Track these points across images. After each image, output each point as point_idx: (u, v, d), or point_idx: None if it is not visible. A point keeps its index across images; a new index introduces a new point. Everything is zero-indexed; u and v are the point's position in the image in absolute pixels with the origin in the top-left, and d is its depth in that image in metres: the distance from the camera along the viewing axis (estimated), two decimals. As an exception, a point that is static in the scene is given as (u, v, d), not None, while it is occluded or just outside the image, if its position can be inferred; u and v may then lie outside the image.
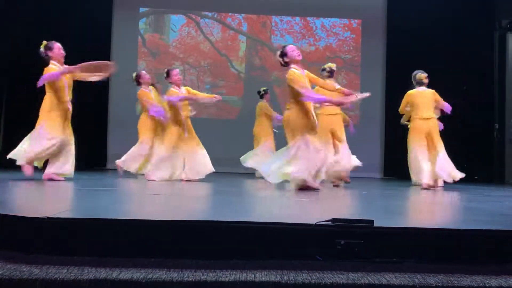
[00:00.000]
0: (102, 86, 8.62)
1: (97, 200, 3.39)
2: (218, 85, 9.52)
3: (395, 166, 8.75)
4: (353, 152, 7.00)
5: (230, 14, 9.69)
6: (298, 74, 4.56)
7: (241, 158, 7.27)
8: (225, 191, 4.69)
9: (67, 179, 5.05)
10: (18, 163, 5.01)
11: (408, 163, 6.07)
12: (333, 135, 6.02)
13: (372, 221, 2.18)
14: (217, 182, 5.70)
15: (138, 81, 6.45)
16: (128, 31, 9.42)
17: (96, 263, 1.96)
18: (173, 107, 5.85)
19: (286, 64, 4.68)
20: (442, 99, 6.21)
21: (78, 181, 5.00)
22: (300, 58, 4.64)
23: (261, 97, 7.61)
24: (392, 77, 9.18)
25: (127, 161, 6.30)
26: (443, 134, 8.36)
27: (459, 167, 8.38)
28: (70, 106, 5.18)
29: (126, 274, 1.86)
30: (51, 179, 4.93)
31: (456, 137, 8.47)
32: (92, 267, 1.92)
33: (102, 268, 1.92)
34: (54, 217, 2.15)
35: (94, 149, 8.47)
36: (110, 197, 3.68)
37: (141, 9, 9.66)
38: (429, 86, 6.75)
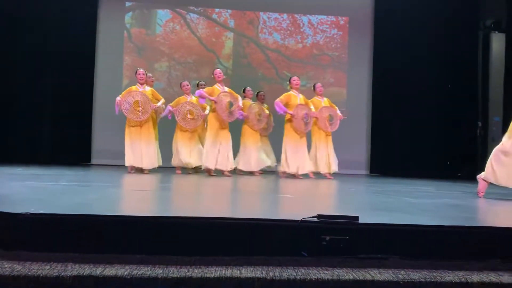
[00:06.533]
0: (88, 81, 8.59)
1: (81, 196, 3.35)
2: (205, 81, 9.45)
3: (380, 163, 8.82)
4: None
5: (216, 10, 9.64)
6: None
7: None
8: (211, 188, 4.68)
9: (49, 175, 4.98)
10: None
11: None
12: None
13: (357, 218, 2.19)
14: (203, 179, 5.68)
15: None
16: (114, 25, 9.30)
17: (79, 260, 1.94)
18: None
19: None
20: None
21: (63, 177, 4.94)
22: None
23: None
24: (379, 75, 9.24)
25: None
26: (429, 131, 8.49)
27: (442, 164, 8.52)
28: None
29: (110, 271, 1.85)
30: None
31: (440, 135, 8.59)
32: (76, 264, 1.90)
33: (86, 264, 1.90)
34: (36, 212, 2.12)
35: (79, 144, 8.39)
36: (95, 193, 3.64)
37: (127, 3, 9.55)
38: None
